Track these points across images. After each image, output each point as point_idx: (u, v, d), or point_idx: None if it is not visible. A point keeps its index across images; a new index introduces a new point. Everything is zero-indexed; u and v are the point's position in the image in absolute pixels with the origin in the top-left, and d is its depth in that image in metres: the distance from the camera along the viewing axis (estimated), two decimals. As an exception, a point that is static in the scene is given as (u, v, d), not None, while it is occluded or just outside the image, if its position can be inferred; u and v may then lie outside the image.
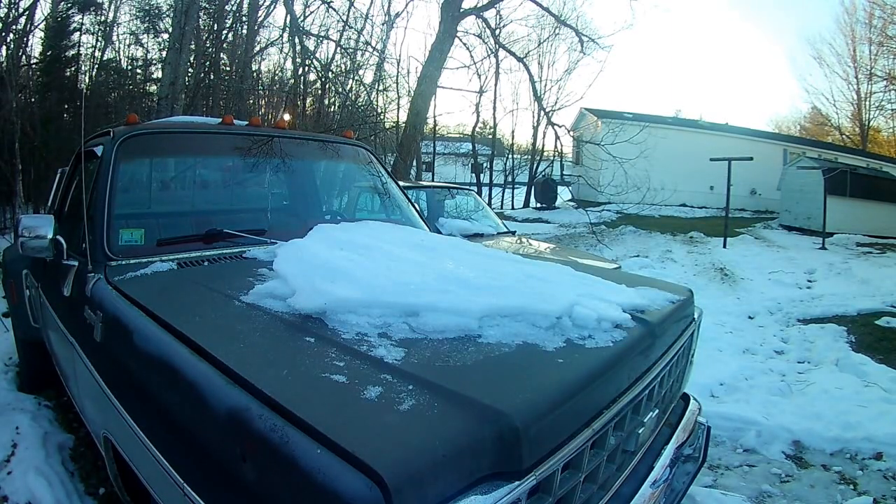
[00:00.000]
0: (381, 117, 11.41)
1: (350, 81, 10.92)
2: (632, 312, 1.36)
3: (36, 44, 9.69)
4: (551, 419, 0.91)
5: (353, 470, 0.69)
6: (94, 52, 10.90)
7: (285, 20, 11.62)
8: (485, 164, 20.80)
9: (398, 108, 14.93)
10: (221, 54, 11.22)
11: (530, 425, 0.85)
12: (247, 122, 2.50)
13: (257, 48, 12.27)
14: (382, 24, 13.32)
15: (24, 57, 8.68)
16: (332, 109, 11.18)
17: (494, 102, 19.73)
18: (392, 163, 8.75)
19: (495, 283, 1.35)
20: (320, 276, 1.32)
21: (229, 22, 11.12)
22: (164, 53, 9.62)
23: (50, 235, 1.75)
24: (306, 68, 10.29)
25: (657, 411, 1.38)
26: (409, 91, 13.54)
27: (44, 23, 9.59)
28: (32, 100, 8.90)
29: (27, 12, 8.28)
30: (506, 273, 1.48)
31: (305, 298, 1.21)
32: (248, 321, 1.19)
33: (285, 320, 1.19)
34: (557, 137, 9.28)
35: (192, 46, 7.94)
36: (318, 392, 0.88)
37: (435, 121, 18.27)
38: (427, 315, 1.17)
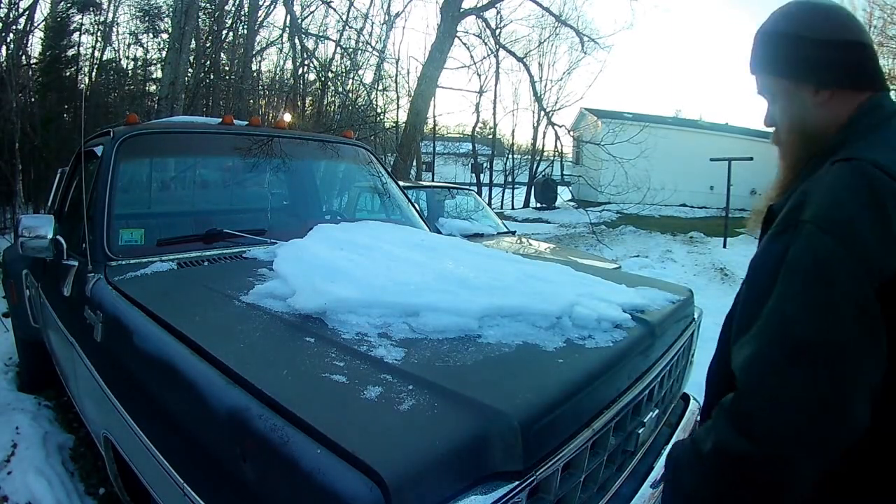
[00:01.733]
0: (381, 117, 11.41)
1: (350, 81, 10.94)
2: (632, 312, 1.36)
3: (36, 44, 9.71)
4: (551, 419, 0.91)
5: (353, 470, 0.69)
6: (93, 52, 10.92)
7: (285, 20, 11.61)
8: (485, 164, 20.79)
9: (398, 108, 14.95)
10: (221, 54, 11.22)
11: (530, 425, 0.85)
12: (247, 122, 2.50)
13: (257, 48, 12.28)
14: (382, 24, 13.34)
15: (24, 57, 8.68)
16: (331, 109, 11.18)
17: (494, 102, 19.76)
18: (392, 163, 8.75)
19: (495, 283, 1.35)
20: (320, 276, 1.32)
21: (229, 22, 11.11)
22: (163, 53, 9.63)
23: (50, 235, 1.75)
24: (306, 68, 10.30)
25: (657, 411, 1.38)
26: (409, 91, 13.57)
27: (43, 23, 9.60)
28: (32, 100, 8.89)
29: (27, 12, 8.28)
30: (506, 273, 1.48)
31: (305, 298, 1.21)
32: (248, 321, 1.19)
33: (285, 320, 1.19)
34: (557, 137, 9.30)
35: (192, 46, 7.94)
36: (318, 392, 0.88)
37: (435, 121, 18.30)
38: (427, 315, 1.17)
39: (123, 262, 1.63)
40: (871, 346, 0.57)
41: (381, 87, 12.85)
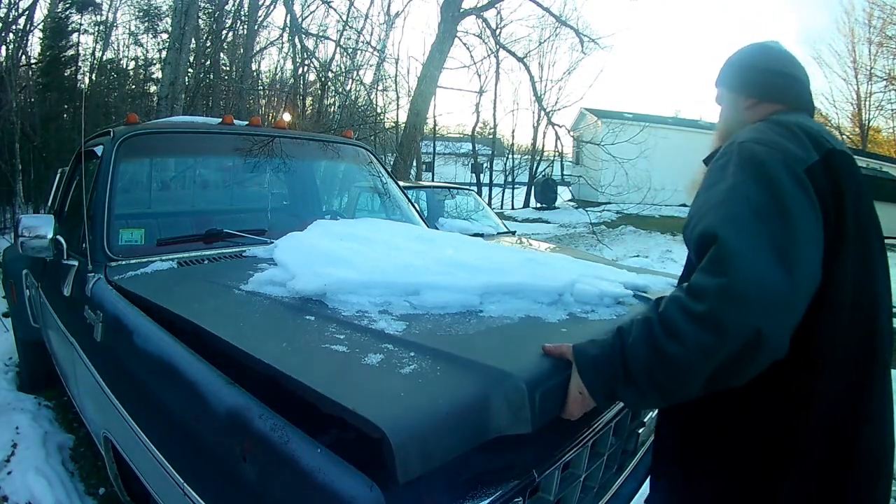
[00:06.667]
0: (381, 117, 11.42)
1: (350, 81, 10.94)
2: (634, 290, 1.35)
3: (35, 44, 9.71)
4: (558, 381, 0.89)
5: (353, 470, 0.69)
6: (93, 52, 10.93)
7: (285, 20, 11.63)
8: (485, 164, 20.79)
9: (398, 108, 14.96)
10: (221, 54, 11.22)
11: (536, 387, 0.84)
12: (247, 122, 2.49)
13: (257, 48, 12.28)
14: (382, 24, 13.34)
15: (23, 57, 8.69)
16: (332, 109, 11.19)
17: (494, 102, 19.78)
18: (392, 163, 8.74)
19: (496, 267, 1.34)
20: (320, 262, 1.31)
21: (229, 22, 11.12)
22: (163, 53, 9.62)
23: (50, 235, 1.75)
24: (306, 68, 10.29)
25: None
26: (409, 91, 13.58)
27: (43, 23, 9.60)
28: (32, 100, 8.90)
29: (27, 12, 8.28)
30: (507, 259, 1.47)
31: (305, 281, 1.20)
32: (248, 305, 1.19)
33: (285, 303, 1.19)
34: (557, 137, 9.27)
35: (192, 46, 7.94)
36: (318, 359, 0.88)
37: (435, 121, 18.31)
38: (428, 293, 1.16)
39: (123, 262, 1.63)
40: (810, 207, 0.75)
41: (381, 87, 12.88)
